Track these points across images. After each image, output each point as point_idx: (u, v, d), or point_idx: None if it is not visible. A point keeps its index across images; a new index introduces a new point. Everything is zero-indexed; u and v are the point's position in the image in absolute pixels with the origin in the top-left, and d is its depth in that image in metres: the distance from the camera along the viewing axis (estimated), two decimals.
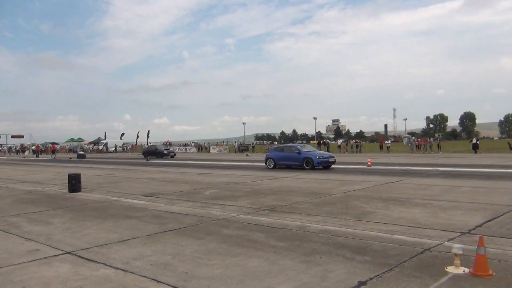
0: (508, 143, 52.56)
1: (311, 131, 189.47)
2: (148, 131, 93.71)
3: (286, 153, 24.92)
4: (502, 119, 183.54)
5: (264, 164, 25.87)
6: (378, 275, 5.26)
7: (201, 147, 73.37)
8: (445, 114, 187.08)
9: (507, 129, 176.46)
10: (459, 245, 5.51)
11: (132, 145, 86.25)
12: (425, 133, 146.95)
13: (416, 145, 48.42)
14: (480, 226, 7.99)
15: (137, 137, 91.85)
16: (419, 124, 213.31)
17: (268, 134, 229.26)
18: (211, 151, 69.06)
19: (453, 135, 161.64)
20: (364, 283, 5.02)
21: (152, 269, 5.76)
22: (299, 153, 24.03)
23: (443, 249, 6.35)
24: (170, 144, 77.42)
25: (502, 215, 8.98)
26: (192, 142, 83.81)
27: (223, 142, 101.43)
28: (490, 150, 46.67)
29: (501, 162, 26.77)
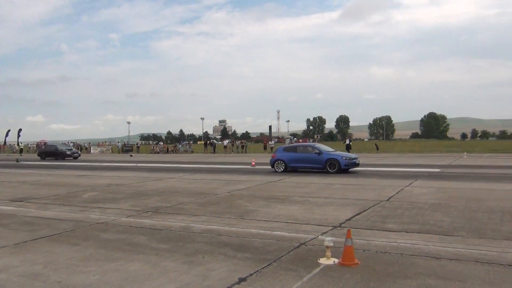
0: (376, 144, 58.31)
1: (198, 132, 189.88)
2: (20, 129, 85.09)
3: (302, 154, 21.17)
4: (371, 122, 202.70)
5: (271, 167, 21.83)
6: (257, 271, 5.47)
7: (81, 147, 68.95)
8: (323, 117, 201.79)
9: (375, 131, 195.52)
10: (330, 238, 5.99)
11: (0, 145, 77.77)
12: (306, 134, 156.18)
13: None
14: (349, 220, 8.74)
15: (6, 136, 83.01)
16: (301, 126, 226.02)
17: (154, 134, 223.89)
18: (91, 151, 65.28)
19: (330, 136, 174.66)
20: (244, 279, 5.19)
21: (19, 280, 5.28)
22: (320, 153, 20.44)
23: (317, 243, 6.83)
24: (45, 144, 71.34)
25: (368, 209, 9.93)
26: (71, 142, 78.24)
27: (106, 142, 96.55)
28: (361, 150, 51.16)
29: (369, 161, 29.56)
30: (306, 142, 53.16)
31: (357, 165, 20.67)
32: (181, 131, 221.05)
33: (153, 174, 21.25)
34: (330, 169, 19.81)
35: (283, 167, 21.05)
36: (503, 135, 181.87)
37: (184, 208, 10.63)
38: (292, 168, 21.00)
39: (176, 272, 5.51)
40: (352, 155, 22.02)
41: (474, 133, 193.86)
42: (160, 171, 23.57)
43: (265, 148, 54.69)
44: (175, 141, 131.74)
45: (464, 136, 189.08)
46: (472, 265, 5.57)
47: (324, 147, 22.12)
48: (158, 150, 60.20)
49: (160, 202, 11.58)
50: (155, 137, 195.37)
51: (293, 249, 6.48)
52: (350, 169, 20.45)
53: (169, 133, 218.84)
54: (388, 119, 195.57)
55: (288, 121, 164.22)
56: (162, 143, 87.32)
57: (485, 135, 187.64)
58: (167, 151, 59.47)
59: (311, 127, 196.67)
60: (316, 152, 20.63)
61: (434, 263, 5.68)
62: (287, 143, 74.75)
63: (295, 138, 76.09)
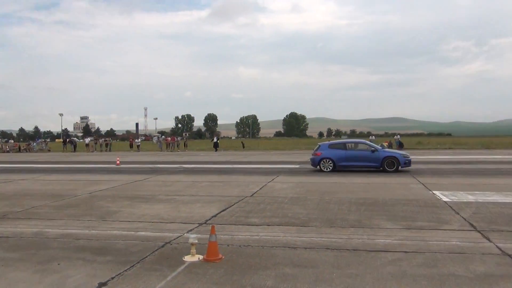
0: (242, 142, 60.30)
1: (56, 129, 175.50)
2: None
3: (353, 152, 19.11)
4: (238, 121, 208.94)
5: (314, 166, 19.53)
6: (119, 274, 5.27)
7: None
8: (192, 115, 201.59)
9: (242, 129, 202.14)
10: (195, 235, 6.05)
11: None
12: (174, 132, 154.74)
13: (166, 144, 50.35)
14: (215, 216, 8.92)
15: None
16: (169, 123, 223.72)
17: (3, 131, 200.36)
18: None
19: (199, 134, 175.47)
20: (104, 283, 4.96)
21: None
22: (375, 151, 18.65)
23: (182, 241, 6.83)
24: None
25: (233, 205, 10.25)
26: None
27: None
28: (228, 148, 52.54)
29: (236, 159, 30.48)
30: (174, 140, 52.43)
31: (410, 163, 19.07)
32: (36, 127, 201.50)
33: (0, 176, 19.00)
34: (388, 168, 18.21)
35: (331, 166, 18.81)
36: (352, 134, 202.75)
37: (37, 212, 9.74)
38: (341, 167, 18.91)
39: (26, 282, 5.03)
40: (405, 153, 20.24)
41: (329, 132, 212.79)
42: (10, 172, 21.18)
43: (131, 146, 52.70)
44: (29, 139, 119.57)
45: (321, 134, 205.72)
46: (324, 252, 6.12)
47: (374, 144, 20.24)
48: (8, 149, 53.93)
49: (8, 207, 10.42)
50: (4, 135, 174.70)
51: (157, 249, 6.38)
52: (404, 168, 18.58)
53: (21, 130, 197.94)
54: (254, 118, 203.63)
55: (156, 118, 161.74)
56: (12, 141, 78.29)
57: (338, 133, 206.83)
58: (19, 150, 53.64)
59: (179, 125, 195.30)
60: (370, 150, 18.82)
61: (291, 253, 6.11)
62: (154, 142, 72.99)
63: (163, 136, 74.75)
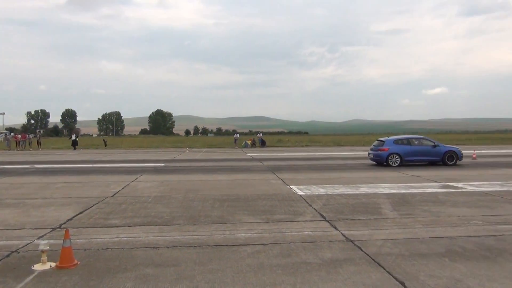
0: (104, 139, 57.27)
1: None
2: None
3: (418, 147, 20.01)
4: (100, 118, 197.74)
5: (380, 162, 19.99)
6: None
7: None
8: (47, 110, 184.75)
9: (105, 127, 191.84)
10: (46, 241, 5.58)
11: None
12: (26, 129, 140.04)
13: (16, 142, 45.31)
14: (71, 219, 8.33)
15: None
16: (20, 119, 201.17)
17: None
18: None
19: (55, 131, 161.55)
20: None
21: None
22: (436, 146, 19.93)
23: (32, 248, 6.25)
24: None
25: (92, 206, 9.68)
26: None
27: None
28: (88, 146, 49.46)
29: (96, 158, 28.84)
30: (25, 138, 47.37)
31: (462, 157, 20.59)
32: None
33: None
34: (448, 161, 19.73)
35: (398, 161, 19.54)
36: (219, 132, 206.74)
37: None
38: (407, 162, 19.75)
39: None
40: (459, 147, 21.59)
41: (196, 130, 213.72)
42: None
43: None
44: None
45: (187, 132, 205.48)
46: (186, 250, 6.15)
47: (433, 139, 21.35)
48: None
49: None
50: None
51: (1, 259, 5.74)
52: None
53: None
54: (117, 115, 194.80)
55: (4, 113, 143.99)
56: None
57: (205, 131, 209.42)
58: None
59: (32, 121, 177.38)
60: (431, 145, 20.06)
61: (152, 253, 6.01)
62: (1, 139, 65.20)
63: (12, 133, 67.18)
